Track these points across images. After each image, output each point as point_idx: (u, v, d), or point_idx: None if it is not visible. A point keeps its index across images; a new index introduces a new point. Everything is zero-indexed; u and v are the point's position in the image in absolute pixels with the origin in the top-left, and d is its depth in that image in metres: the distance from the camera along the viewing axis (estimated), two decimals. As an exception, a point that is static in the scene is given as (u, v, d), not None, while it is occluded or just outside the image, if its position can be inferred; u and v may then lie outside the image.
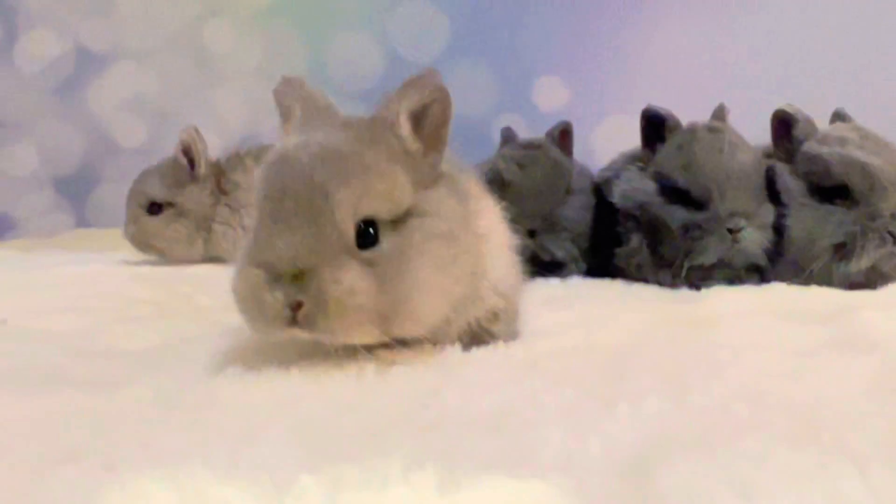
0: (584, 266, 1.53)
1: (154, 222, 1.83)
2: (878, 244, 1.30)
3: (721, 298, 1.24)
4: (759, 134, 1.52)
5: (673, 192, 1.40)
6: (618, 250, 1.47)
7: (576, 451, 0.61)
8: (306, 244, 0.74)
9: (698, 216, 1.35)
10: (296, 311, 0.74)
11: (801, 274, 1.35)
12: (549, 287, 1.41)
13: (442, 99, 0.82)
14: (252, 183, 1.32)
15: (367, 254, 0.76)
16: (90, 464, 0.57)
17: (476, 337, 0.92)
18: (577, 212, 1.52)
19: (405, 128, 0.82)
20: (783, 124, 1.44)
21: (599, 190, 1.56)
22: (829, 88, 2.54)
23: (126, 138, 2.69)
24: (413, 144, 0.82)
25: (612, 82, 2.66)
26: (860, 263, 1.31)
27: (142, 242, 1.86)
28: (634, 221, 1.44)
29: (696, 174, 1.37)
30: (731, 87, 2.62)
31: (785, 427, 0.63)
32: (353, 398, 0.75)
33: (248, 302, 0.78)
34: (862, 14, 2.51)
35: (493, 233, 0.93)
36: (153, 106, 2.72)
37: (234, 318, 1.22)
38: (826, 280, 1.33)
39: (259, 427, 0.66)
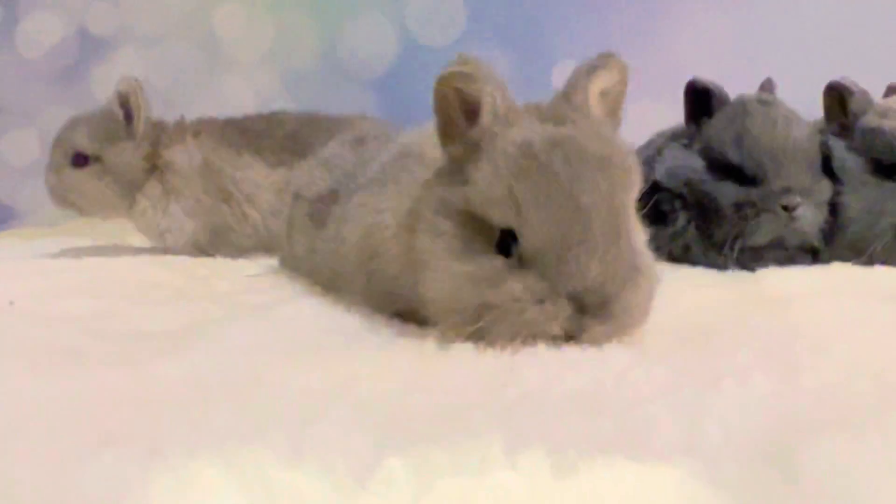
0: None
1: (77, 176, 1.64)
2: (946, 223, 1.22)
3: (780, 279, 1.16)
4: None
5: (724, 168, 1.31)
6: (662, 231, 1.37)
7: (693, 432, 0.53)
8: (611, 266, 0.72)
9: (752, 193, 1.27)
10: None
11: (860, 254, 1.26)
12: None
13: (624, 79, 0.82)
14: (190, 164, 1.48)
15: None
16: (133, 447, 0.49)
17: None
18: None
19: (596, 108, 0.80)
20: (837, 97, 1.36)
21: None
22: (872, 63, 2.47)
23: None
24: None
25: (636, 65, 2.56)
26: (925, 243, 1.23)
27: (60, 196, 1.67)
28: (681, 200, 1.35)
29: (750, 148, 1.28)
30: (761, 67, 2.54)
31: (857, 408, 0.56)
32: (418, 376, 0.67)
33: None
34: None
35: None
36: (159, 93, 2.63)
37: (256, 300, 1.17)
38: (889, 261, 1.25)
39: (318, 407, 0.58)
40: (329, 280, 1.11)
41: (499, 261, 0.73)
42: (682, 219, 1.35)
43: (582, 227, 0.70)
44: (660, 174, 1.39)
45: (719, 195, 1.29)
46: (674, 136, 1.45)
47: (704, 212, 1.32)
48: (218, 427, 0.53)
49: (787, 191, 1.26)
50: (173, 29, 2.64)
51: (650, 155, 1.45)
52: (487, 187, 0.74)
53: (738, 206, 1.27)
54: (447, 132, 0.81)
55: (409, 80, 2.59)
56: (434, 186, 0.83)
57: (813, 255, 1.32)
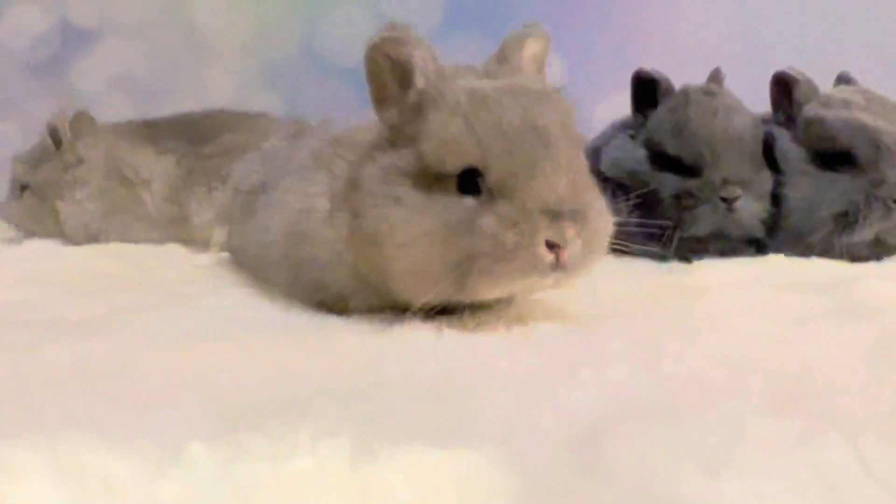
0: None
1: (16, 205, 1.79)
2: (882, 214, 1.21)
3: (714, 270, 1.16)
4: (766, 104, 1.43)
5: (664, 159, 1.31)
6: None
7: (521, 420, 0.53)
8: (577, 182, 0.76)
9: (690, 184, 1.26)
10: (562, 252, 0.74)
11: (801, 245, 1.25)
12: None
13: (548, 46, 0.90)
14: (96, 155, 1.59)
15: None
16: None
17: None
18: None
19: (529, 70, 0.86)
20: (783, 87, 1.35)
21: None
22: (838, 55, 2.44)
23: (113, 117, 2.61)
24: None
25: (613, 54, 2.56)
26: (863, 234, 1.22)
27: (15, 226, 1.81)
28: (623, 190, 1.35)
29: (689, 139, 1.28)
30: (738, 55, 2.52)
31: (767, 395, 0.56)
32: (287, 363, 0.68)
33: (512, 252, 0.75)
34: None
35: None
36: (141, 83, 2.65)
37: (190, 290, 1.18)
38: (827, 252, 1.24)
39: (170, 394, 0.59)
40: (256, 270, 1.12)
41: (468, 200, 0.75)
42: (623, 208, 1.34)
43: (543, 146, 0.73)
44: (605, 165, 1.39)
45: (659, 186, 1.29)
46: (623, 127, 1.45)
47: (646, 202, 1.31)
48: (54, 413, 0.55)
49: (726, 182, 1.25)
50: (154, 20, 2.65)
51: (598, 146, 1.45)
52: (443, 132, 0.76)
53: (678, 197, 1.27)
54: (381, 98, 0.83)
55: (386, 70, 2.58)
56: (374, 160, 0.83)
57: (757, 246, 1.31)
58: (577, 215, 0.72)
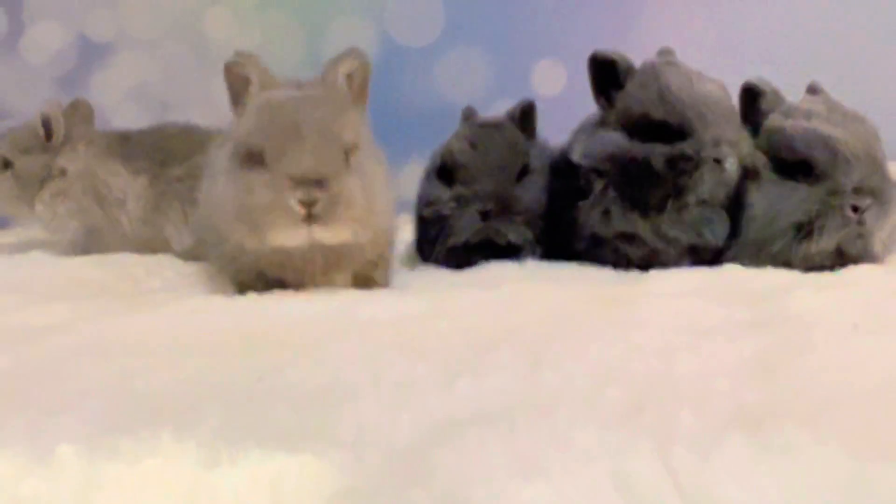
0: (539, 250, 1.45)
1: None
2: (840, 223, 1.21)
3: (665, 280, 1.17)
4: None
5: (647, 130, 1.29)
6: (581, 204, 1.36)
7: (378, 427, 0.57)
8: (324, 157, 1.01)
9: (684, 147, 1.25)
10: (312, 208, 1.00)
11: (763, 254, 1.26)
12: (492, 270, 1.35)
13: (364, 66, 1.15)
14: (76, 169, 1.73)
15: (351, 170, 1.04)
16: None
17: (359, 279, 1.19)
18: (534, 193, 1.44)
19: (342, 85, 1.12)
20: (750, 97, 1.36)
21: (555, 167, 1.47)
22: (855, 57, 2.42)
23: (128, 127, 2.71)
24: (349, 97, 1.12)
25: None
26: (821, 244, 1.22)
27: None
28: (596, 173, 1.35)
29: (674, 104, 1.27)
30: (739, 66, 2.52)
31: (613, 405, 0.58)
32: (196, 369, 0.72)
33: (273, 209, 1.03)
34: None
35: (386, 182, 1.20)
36: (154, 95, 2.74)
37: (163, 297, 1.23)
38: (788, 261, 1.24)
39: (73, 398, 0.64)
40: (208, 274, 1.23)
41: (254, 173, 1.03)
42: (598, 185, 1.35)
43: (296, 134, 1.00)
44: (576, 156, 1.39)
45: (649, 156, 1.27)
46: (589, 119, 1.45)
47: (634, 179, 1.30)
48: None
49: (718, 143, 1.25)
50: (166, 34, 2.74)
51: (569, 143, 1.46)
52: (245, 126, 1.07)
53: (672, 163, 1.26)
54: (233, 101, 1.13)
55: (389, 80, 2.64)
56: (222, 147, 1.16)
57: (716, 255, 1.31)
58: (321, 183, 0.99)
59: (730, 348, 0.72)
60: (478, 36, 2.60)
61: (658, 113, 1.29)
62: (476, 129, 1.49)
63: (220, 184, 1.11)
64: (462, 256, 1.44)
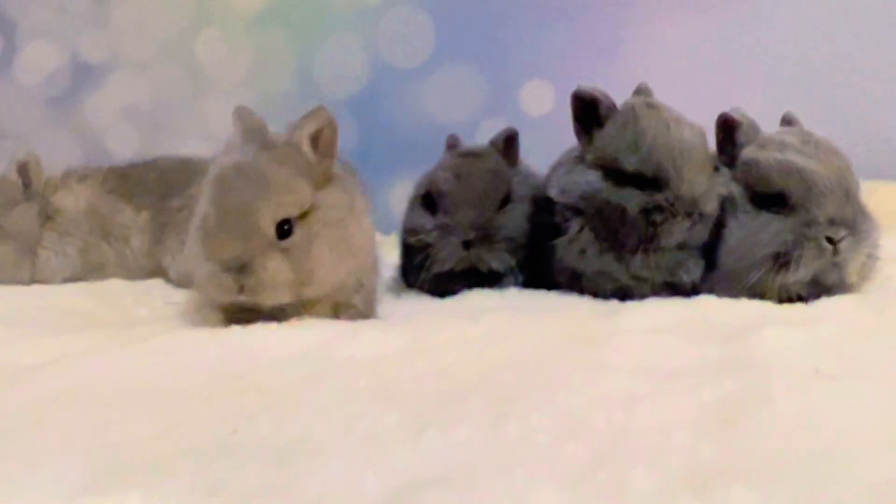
0: (521, 277, 1.48)
1: None
2: (816, 254, 1.23)
3: (640, 312, 1.18)
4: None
5: (622, 176, 1.32)
6: (558, 241, 1.39)
7: (343, 484, 0.59)
8: (244, 244, 1.07)
9: (659, 198, 1.29)
10: (241, 289, 1.08)
11: (740, 285, 1.28)
12: (474, 299, 1.37)
13: (330, 125, 1.15)
14: (77, 207, 1.80)
15: (284, 243, 1.09)
16: None
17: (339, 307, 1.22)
18: (516, 221, 1.47)
19: (306, 146, 1.13)
20: (727, 128, 1.38)
21: (536, 199, 1.50)
22: (842, 75, 2.45)
23: (120, 148, 2.73)
24: (312, 157, 1.14)
25: (604, 86, 2.59)
26: (797, 275, 1.24)
27: None
28: (573, 211, 1.38)
29: (647, 153, 1.30)
30: (729, 89, 2.55)
31: (571, 460, 0.60)
32: (175, 420, 0.74)
33: (210, 285, 1.11)
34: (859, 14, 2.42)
35: (370, 226, 1.26)
36: (146, 115, 2.77)
37: (153, 329, 1.25)
38: (765, 292, 1.26)
39: (45, 450, 0.66)
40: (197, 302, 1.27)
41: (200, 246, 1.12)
42: (575, 225, 1.38)
43: (221, 219, 1.08)
44: (553, 192, 1.42)
45: (624, 202, 1.31)
46: (570, 153, 1.48)
47: (607, 221, 1.33)
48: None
49: (695, 196, 1.28)
50: (158, 56, 2.77)
51: (549, 175, 1.49)
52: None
53: (646, 212, 1.29)
54: None
55: (380, 100, 2.67)
56: None
57: (693, 287, 1.34)
58: (243, 270, 1.07)
59: (692, 396, 0.74)
60: (468, 57, 2.63)
61: (632, 162, 1.32)
62: (459, 158, 1.52)
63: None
64: (446, 284, 1.47)
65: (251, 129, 1.16)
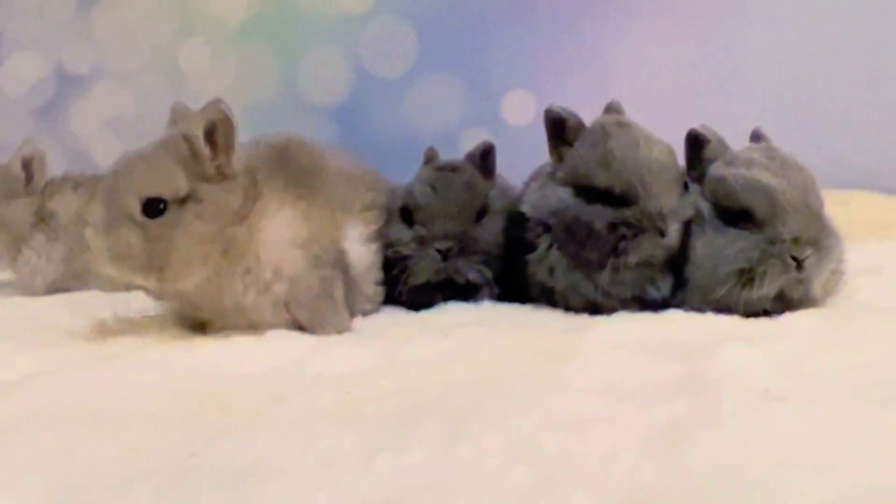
0: (497, 290, 1.50)
1: None
2: (780, 270, 1.25)
3: (609, 327, 1.21)
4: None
5: (592, 193, 1.34)
6: (529, 258, 1.42)
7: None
8: (108, 211, 1.15)
9: (626, 214, 1.31)
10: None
11: (707, 300, 1.30)
12: (449, 313, 1.39)
13: (223, 119, 1.17)
14: (67, 214, 1.81)
15: (150, 222, 1.14)
16: None
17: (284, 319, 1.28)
18: (492, 234, 1.49)
19: (199, 138, 1.16)
20: (695, 145, 1.40)
21: (511, 214, 1.52)
22: (807, 106, 2.49)
23: (105, 158, 2.74)
24: (204, 150, 1.17)
25: (584, 96, 2.62)
26: (762, 290, 1.26)
27: None
28: (543, 227, 1.41)
29: (617, 171, 1.32)
30: (708, 101, 2.58)
31: (516, 485, 0.62)
32: (137, 444, 0.76)
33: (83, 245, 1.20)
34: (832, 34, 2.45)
35: (275, 230, 1.24)
36: (131, 125, 2.78)
37: (124, 347, 1.27)
38: (731, 307, 1.28)
39: (9, 473, 0.67)
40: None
41: None
42: (544, 241, 1.40)
43: (101, 189, 1.17)
44: (526, 207, 1.44)
45: (592, 219, 1.33)
46: (542, 169, 1.50)
47: (575, 237, 1.35)
48: None
49: (661, 213, 1.30)
50: (142, 66, 2.78)
51: (522, 190, 1.51)
52: None
53: (614, 227, 1.31)
54: None
55: (363, 110, 2.69)
56: None
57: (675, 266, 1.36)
58: (104, 232, 1.14)
59: (644, 417, 0.76)
60: (450, 67, 2.66)
61: (602, 179, 1.34)
62: (436, 171, 1.54)
63: None
64: (424, 296, 1.49)
65: (171, 123, 1.27)
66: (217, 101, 1.18)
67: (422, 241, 1.46)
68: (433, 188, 1.50)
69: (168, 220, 1.13)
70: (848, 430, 0.72)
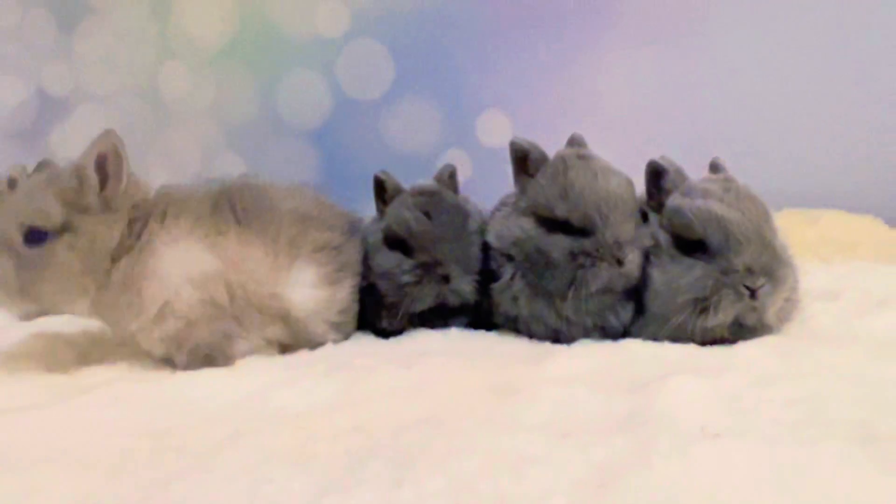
0: (469, 317, 1.53)
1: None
2: (734, 299, 1.29)
3: (567, 358, 1.24)
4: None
5: (552, 223, 1.39)
6: (493, 286, 1.46)
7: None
8: None
9: (584, 244, 1.35)
10: None
11: (664, 327, 1.34)
12: (418, 341, 1.42)
13: (113, 150, 1.23)
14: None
15: (27, 250, 1.19)
16: None
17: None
18: (477, 252, 1.52)
19: (90, 169, 1.22)
20: (655, 175, 1.44)
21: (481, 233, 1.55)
22: (774, 125, 2.53)
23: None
24: (92, 178, 1.22)
25: (557, 117, 2.67)
26: (717, 319, 1.29)
27: None
28: (506, 257, 1.45)
29: (576, 202, 1.36)
30: (679, 123, 2.62)
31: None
32: (90, 483, 0.79)
33: None
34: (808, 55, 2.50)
35: (163, 265, 1.25)
36: (112, 148, 2.80)
37: (100, 378, 1.29)
38: (687, 335, 1.32)
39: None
40: None
41: None
42: (508, 271, 1.44)
43: None
44: (490, 237, 1.48)
45: (552, 248, 1.37)
46: (506, 199, 1.54)
47: (536, 266, 1.39)
48: None
49: (618, 243, 1.34)
50: (123, 89, 2.81)
51: (486, 220, 1.55)
52: None
53: (573, 256, 1.35)
54: None
55: (341, 132, 2.72)
56: None
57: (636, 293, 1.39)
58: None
59: (581, 456, 0.79)
60: (426, 88, 2.69)
61: (561, 210, 1.38)
62: (418, 197, 1.54)
63: None
64: (421, 321, 1.50)
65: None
66: (109, 133, 1.22)
67: (426, 268, 1.48)
68: (426, 213, 1.51)
69: (46, 250, 1.18)
70: (775, 471, 0.75)
